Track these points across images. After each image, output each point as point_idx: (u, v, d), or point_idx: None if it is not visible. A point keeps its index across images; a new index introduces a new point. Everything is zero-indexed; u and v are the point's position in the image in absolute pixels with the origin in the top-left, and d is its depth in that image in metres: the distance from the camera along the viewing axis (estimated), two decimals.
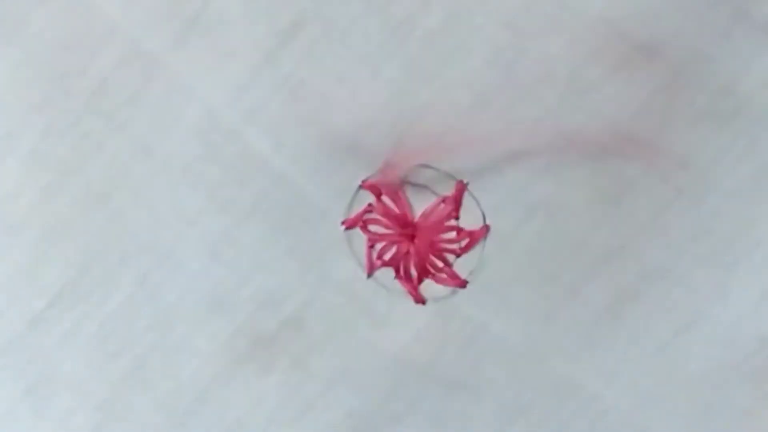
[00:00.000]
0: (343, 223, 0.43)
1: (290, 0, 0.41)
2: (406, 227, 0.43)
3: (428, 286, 0.43)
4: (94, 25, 0.42)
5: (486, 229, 0.43)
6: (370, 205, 0.43)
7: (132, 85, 0.42)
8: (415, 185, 0.43)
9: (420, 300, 0.44)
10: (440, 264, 0.43)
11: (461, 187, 0.43)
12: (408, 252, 0.43)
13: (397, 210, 0.43)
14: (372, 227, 0.43)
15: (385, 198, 0.43)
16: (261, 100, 0.42)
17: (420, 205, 0.43)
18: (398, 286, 0.43)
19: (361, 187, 0.43)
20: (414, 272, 0.43)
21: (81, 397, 0.45)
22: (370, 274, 0.44)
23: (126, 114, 0.42)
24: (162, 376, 0.45)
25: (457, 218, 0.43)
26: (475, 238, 0.43)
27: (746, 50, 0.41)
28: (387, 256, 0.43)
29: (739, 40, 0.41)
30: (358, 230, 0.43)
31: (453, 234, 0.43)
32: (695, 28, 0.41)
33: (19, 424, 0.45)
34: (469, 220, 0.43)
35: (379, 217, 0.43)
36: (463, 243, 0.43)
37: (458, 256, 0.43)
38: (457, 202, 0.43)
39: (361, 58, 0.41)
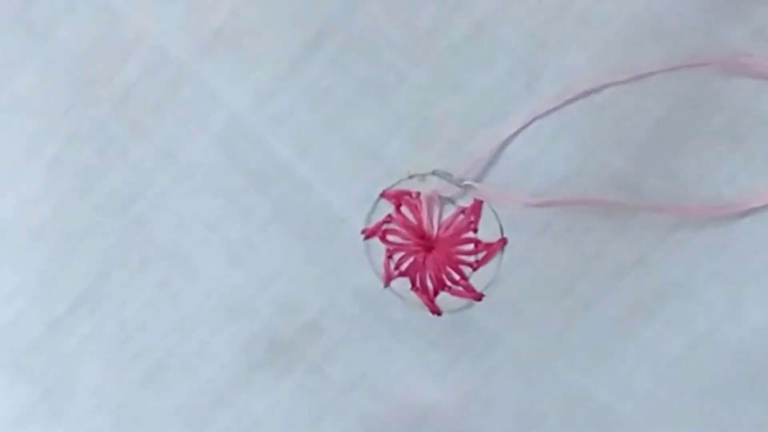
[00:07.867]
0: (362, 231, 0.44)
1: (316, 10, 0.41)
2: (424, 239, 0.43)
3: (444, 297, 0.44)
4: (120, 33, 0.42)
5: (503, 241, 0.43)
6: (389, 215, 0.43)
7: (157, 92, 0.43)
8: (434, 196, 0.43)
9: (436, 311, 0.44)
10: (457, 276, 0.43)
11: (480, 199, 0.43)
12: (425, 263, 0.43)
13: (415, 221, 0.43)
14: (391, 237, 0.44)
15: (404, 209, 0.43)
16: (285, 109, 0.42)
17: (439, 216, 0.43)
18: (415, 296, 0.44)
19: (381, 196, 0.43)
20: (430, 284, 0.44)
21: (99, 400, 0.46)
22: (387, 284, 0.44)
23: (151, 121, 0.43)
24: (180, 380, 0.45)
25: (475, 230, 0.43)
26: (492, 250, 0.43)
27: (764, 69, 0.41)
28: (404, 266, 0.44)
29: (758, 58, 0.41)
30: (376, 240, 0.44)
31: (471, 246, 0.43)
32: (714, 46, 0.41)
33: (36, 427, 0.46)
34: (487, 231, 0.43)
35: (397, 227, 0.43)
36: (480, 256, 0.43)
37: (475, 269, 0.44)
38: (475, 213, 0.43)
39: (386, 68, 0.42)
